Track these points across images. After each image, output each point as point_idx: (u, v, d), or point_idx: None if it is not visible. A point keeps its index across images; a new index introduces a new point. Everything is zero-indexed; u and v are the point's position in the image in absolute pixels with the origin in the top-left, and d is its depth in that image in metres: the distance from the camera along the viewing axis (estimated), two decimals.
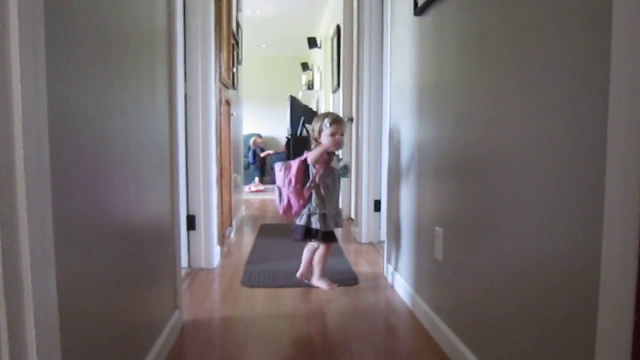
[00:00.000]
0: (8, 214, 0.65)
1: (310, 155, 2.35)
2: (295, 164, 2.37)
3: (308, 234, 2.38)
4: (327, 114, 2.44)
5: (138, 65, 1.38)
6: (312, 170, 2.37)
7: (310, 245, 2.48)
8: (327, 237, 2.40)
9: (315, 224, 2.35)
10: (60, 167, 0.83)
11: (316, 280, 2.45)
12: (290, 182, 2.35)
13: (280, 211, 2.43)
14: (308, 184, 2.35)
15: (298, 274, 2.51)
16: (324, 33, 6.39)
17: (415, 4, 2.01)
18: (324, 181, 2.37)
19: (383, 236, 3.36)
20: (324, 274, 2.47)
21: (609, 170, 0.83)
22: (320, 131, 2.37)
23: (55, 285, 0.76)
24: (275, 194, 2.47)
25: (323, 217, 2.36)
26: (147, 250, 1.48)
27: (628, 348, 0.79)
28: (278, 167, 2.44)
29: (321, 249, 2.44)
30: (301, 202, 2.36)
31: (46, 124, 0.72)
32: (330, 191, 2.39)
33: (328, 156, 2.37)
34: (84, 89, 0.97)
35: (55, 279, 0.76)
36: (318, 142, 2.39)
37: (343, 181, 4.48)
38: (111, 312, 1.13)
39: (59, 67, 0.83)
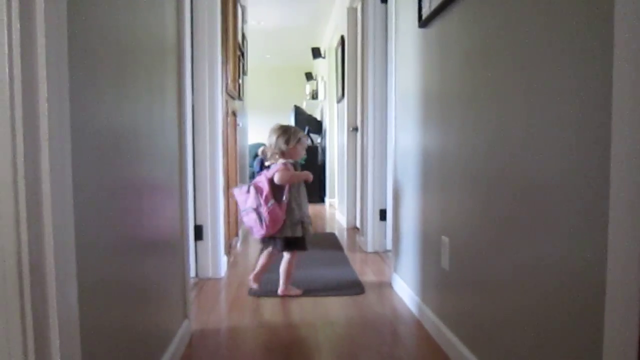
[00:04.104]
0: (35, 226, 0.68)
1: (282, 179, 2.39)
2: (265, 184, 2.40)
3: (288, 245, 2.44)
4: (296, 128, 2.60)
5: (149, 80, 1.42)
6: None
7: (267, 250, 2.53)
8: (304, 244, 2.47)
9: (299, 232, 2.41)
10: (79, 182, 0.86)
11: (284, 290, 2.47)
12: (267, 200, 2.38)
13: (264, 232, 2.40)
14: (284, 197, 2.39)
15: (252, 276, 2.57)
16: (328, 43, 6.45)
17: (420, 16, 2.05)
18: (297, 190, 2.46)
19: (389, 245, 3.37)
20: (290, 283, 2.51)
21: (613, 178, 0.85)
22: (297, 142, 2.48)
23: (76, 296, 0.78)
24: (250, 218, 2.43)
25: (302, 225, 2.43)
26: (158, 261, 1.50)
27: (635, 354, 0.81)
28: (243, 190, 2.48)
29: (287, 256, 2.48)
30: (283, 216, 2.39)
31: (69, 141, 0.75)
32: (302, 197, 2.47)
33: (294, 168, 2.48)
34: (101, 107, 1.00)
35: (76, 290, 0.78)
36: (289, 153, 2.47)
37: (349, 191, 4.53)
38: (124, 322, 1.16)
39: (78, 86, 0.87)
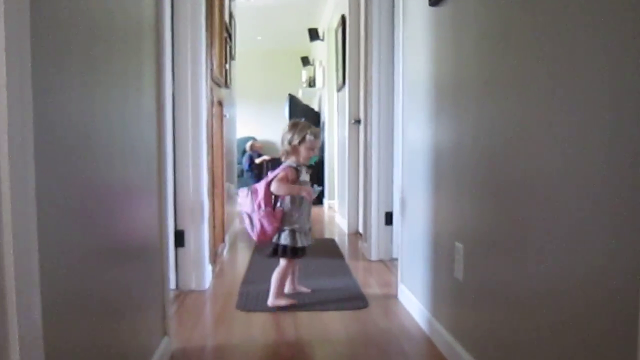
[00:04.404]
0: None
1: (277, 190, 2.42)
2: (262, 188, 2.44)
3: (275, 251, 2.48)
4: (307, 124, 2.55)
5: (124, 66, 1.41)
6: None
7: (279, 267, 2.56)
8: (295, 253, 2.48)
9: (285, 239, 2.44)
10: (44, 182, 0.86)
11: (273, 301, 2.48)
12: (260, 206, 2.42)
13: (255, 238, 2.49)
14: (279, 204, 2.44)
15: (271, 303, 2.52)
16: (327, 24, 6.45)
17: None
18: (293, 197, 2.46)
19: (395, 253, 3.38)
20: (281, 293, 2.53)
21: None
22: (301, 141, 2.46)
23: (40, 310, 0.78)
24: (245, 222, 2.53)
25: (291, 233, 2.45)
26: (133, 271, 1.50)
27: None
28: (244, 192, 2.51)
29: (282, 264, 2.52)
30: (275, 224, 2.43)
31: (32, 137, 0.75)
32: (299, 206, 2.47)
33: (297, 172, 2.48)
34: (68, 97, 1.00)
35: (40, 303, 0.78)
36: (293, 153, 2.49)
37: (351, 192, 4.54)
38: (94, 340, 1.16)
39: (43, 75, 0.86)
